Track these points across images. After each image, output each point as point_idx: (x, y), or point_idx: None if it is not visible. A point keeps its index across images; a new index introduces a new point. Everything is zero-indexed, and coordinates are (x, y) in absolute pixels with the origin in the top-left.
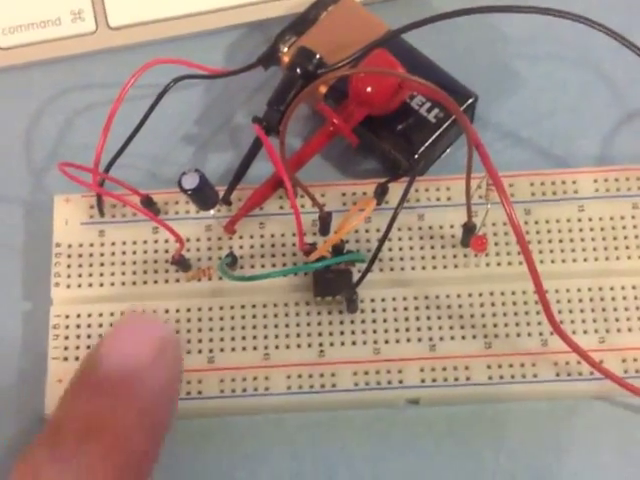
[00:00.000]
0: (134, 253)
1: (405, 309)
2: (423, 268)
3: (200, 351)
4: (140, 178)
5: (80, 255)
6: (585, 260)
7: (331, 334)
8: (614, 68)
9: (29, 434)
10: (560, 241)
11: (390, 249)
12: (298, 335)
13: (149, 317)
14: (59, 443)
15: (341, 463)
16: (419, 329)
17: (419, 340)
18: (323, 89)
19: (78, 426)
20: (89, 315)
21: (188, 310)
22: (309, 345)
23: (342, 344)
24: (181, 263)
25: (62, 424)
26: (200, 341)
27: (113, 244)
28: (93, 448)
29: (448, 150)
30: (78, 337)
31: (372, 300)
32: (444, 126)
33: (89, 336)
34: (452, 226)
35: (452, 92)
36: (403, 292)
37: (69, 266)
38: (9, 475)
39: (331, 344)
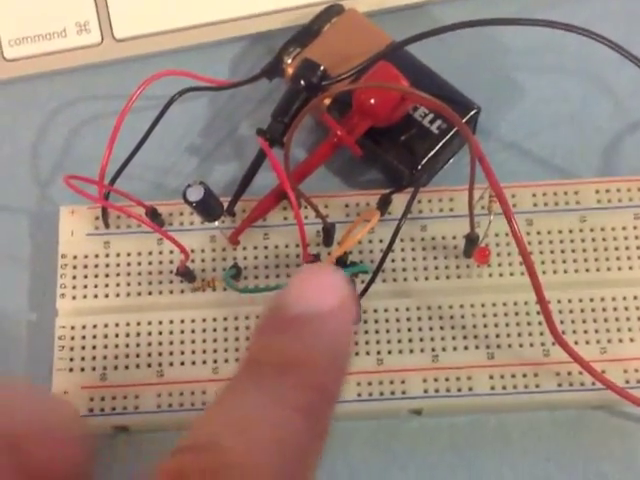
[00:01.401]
0: (139, 264)
1: (408, 320)
2: (426, 279)
3: (204, 362)
4: (145, 189)
5: (85, 266)
6: (587, 270)
7: None
8: (616, 79)
9: None
10: (562, 251)
11: (393, 260)
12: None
13: (330, 268)
14: (261, 374)
15: (344, 473)
16: (422, 340)
17: (422, 351)
18: (327, 101)
19: (276, 360)
20: (94, 326)
21: (192, 321)
22: None
23: None
24: (186, 274)
25: (261, 358)
26: (204, 352)
27: (118, 255)
28: (291, 381)
29: (451, 161)
30: (83, 348)
31: (375, 311)
32: (447, 137)
33: (94, 347)
34: (455, 237)
35: (455, 104)
36: (406, 303)
37: (74, 277)
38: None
39: None
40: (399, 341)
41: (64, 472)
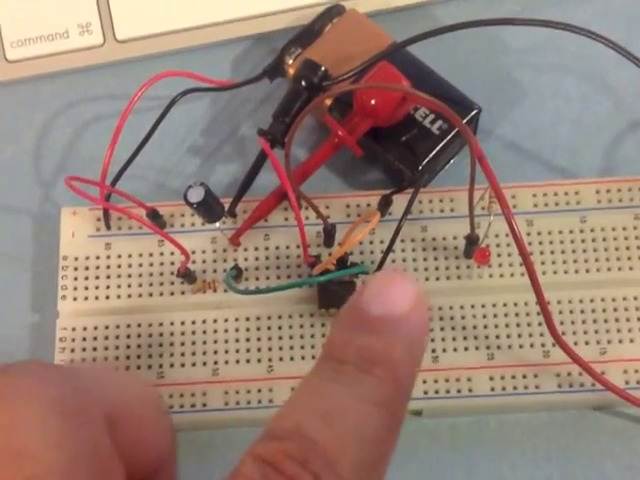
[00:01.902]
0: (140, 266)
1: None
2: (426, 279)
3: (205, 363)
4: (147, 189)
5: (87, 268)
6: (587, 271)
7: None
8: (617, 79)
9: None
10: (562, 252)
11: (394, 260)
12: (302, 347)
13: (404, 273)
14: (342, 370)
15: None
16: None
17: None
18: (328, 101)
19: (358, 358)
20: (95, 328)
21: (193, 322)
22: (313, 357)
23: None
24: (186, 276)
25: (342, 354)
26: (205, 353)
27: (119, 257)
28: (372, 378)
29: (452, 162)
30: (84, 350)
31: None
32: (448, 138)
33: (95, 349)
34: (455, 237)
35: (455, 104)
36: None
37: (76, 279)
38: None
39: None
40: None
41: (149, 457)
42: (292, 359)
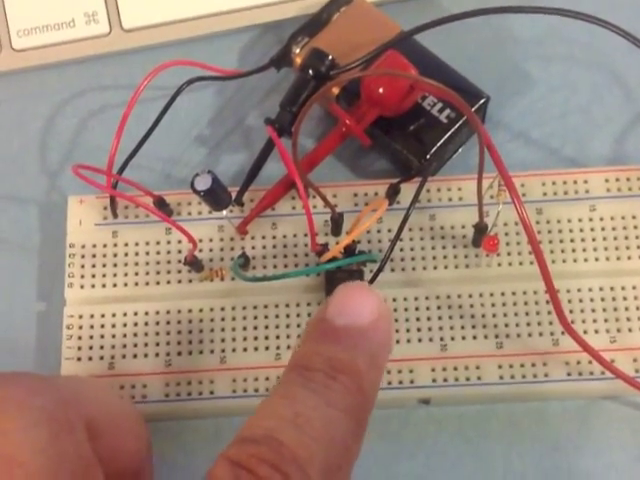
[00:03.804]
0: (147, 254)
1: (416, 309)
2: (435, 268)
3: (212, 351)
4: (153, 179)
5: (93, 256)
6: (596, 260)
7: None
8: (626, 68)
9: None
10: (571, 241)
11: (402, 249)
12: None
13: (367, 286)
14: (311, 378)
15: None
16: (430, 329)
17: (430, 340)
18: (335, 90)
19: (324, 366)
20: (102, 315)
21: (200, 310)
22: None
23: None
24: (194, 264)
25: (310, 363)
26: (212, 341)
27: (126, 245)
28: (339, 385)
29: (460, 150)
30: (91, 337)
31: (384, 300)
32: (456, 126)
33: (102, 336)
34: (464, 226)
35: (464, 93)
36: (414, 292)
37: (83, 267)
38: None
39: None
40: (408, 330)
41: (127, 464)
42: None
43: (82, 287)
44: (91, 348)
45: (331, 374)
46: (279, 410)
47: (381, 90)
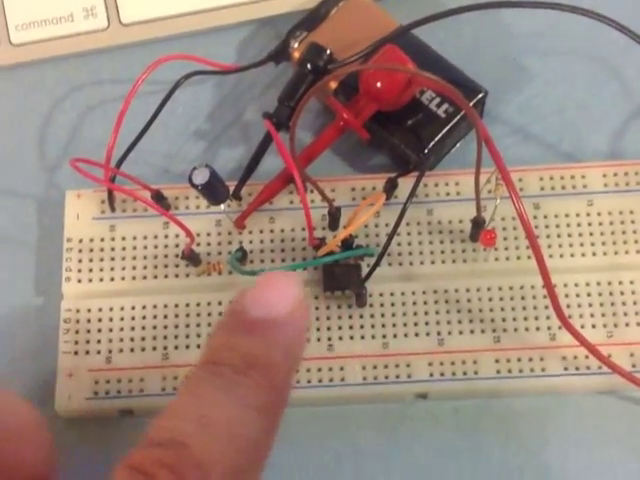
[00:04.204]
0: (145, 248)
1: (414, 303)
2: (432, 263)
3: None
4: (151, 173)
5: (91, 250)
6: (594, 254)
7: (340, 328)
8: (623, 63)
9: None
10: (569, 235)
11: (399, 244)
12: (307, 329)
13: (287, 275)
14: (220, 374)
15: (349, 457)
16: (427, 323)
17: (427, 334)
18: (333, 84)
19: (235, 361)
20: (100, 310)
21: (198, 304)
22: (318, 339)
23: (351, 338)
24: (191, 258)
25: (220, 358)
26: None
27: (124, 239)
28: (249, 381)
29: (458, 145)
30: (88, 331)
31: (381, 294)
32: (454, 121)
33: (99, 330)
34: (461, 221)
35: (462, 87)
36: (412, 286)
37: (80, 261)
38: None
39: (340, 338)
40: (405, 325)
41: (28, 475)
42: None
43: (79, 281)
44: (88, 342)
45: (242, 369)
46: (185, 409)
47: (379, 84)
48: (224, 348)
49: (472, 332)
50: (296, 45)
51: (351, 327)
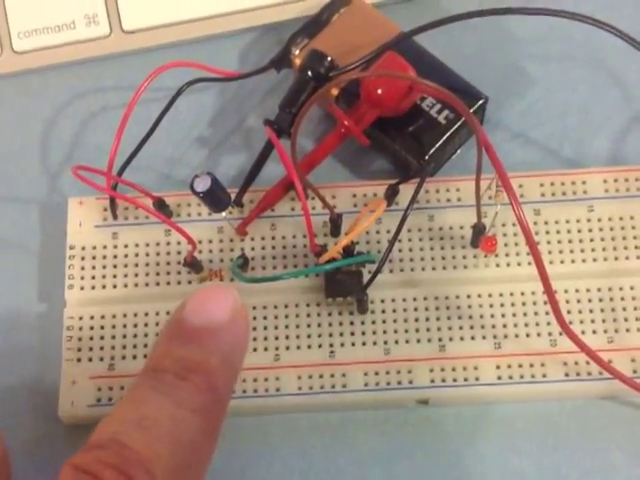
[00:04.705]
0: (147, 255)
1: (415, 310)
2: (433, 269)
3: None
4: (154, 179)
5: (93, 257)
6: (594, 260)
7: (342, 335)
8: (624, 69)
9: (43, 434)
10: (569, 241)
11: (400, 250)
12: (309, 336)
13: (225, 286)
14: (162, 379)
15: (351, 463)
16: (429, 329)
17: (429, 340)
18: (335, 91)
19: (176, 366)
20: (102, 317)
21: None
22: (320, 346)
23: (352, 345)
24: (193, 265)
25: (161, 364)
26: None
27: (126, 246)
28: (189, 385)
29: (458, 151)
30: (91, 338)
31: (382, 301)
32: (454, 127)
33: (102, 337)
34: (462, 227)
35: (462, 94)
36: (413, 293)
37: (83, 268)
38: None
39: (341, 345)
40: (406, 331)
41: None
42: (299, 348)
43: (82, 288)
44: (91, 349)
45: (182, 374)
46: (126, 413)
47: (380, 91)
48: (165, 356)
49: (473, 338)
50: (297, 52)
51: (353, 333)
